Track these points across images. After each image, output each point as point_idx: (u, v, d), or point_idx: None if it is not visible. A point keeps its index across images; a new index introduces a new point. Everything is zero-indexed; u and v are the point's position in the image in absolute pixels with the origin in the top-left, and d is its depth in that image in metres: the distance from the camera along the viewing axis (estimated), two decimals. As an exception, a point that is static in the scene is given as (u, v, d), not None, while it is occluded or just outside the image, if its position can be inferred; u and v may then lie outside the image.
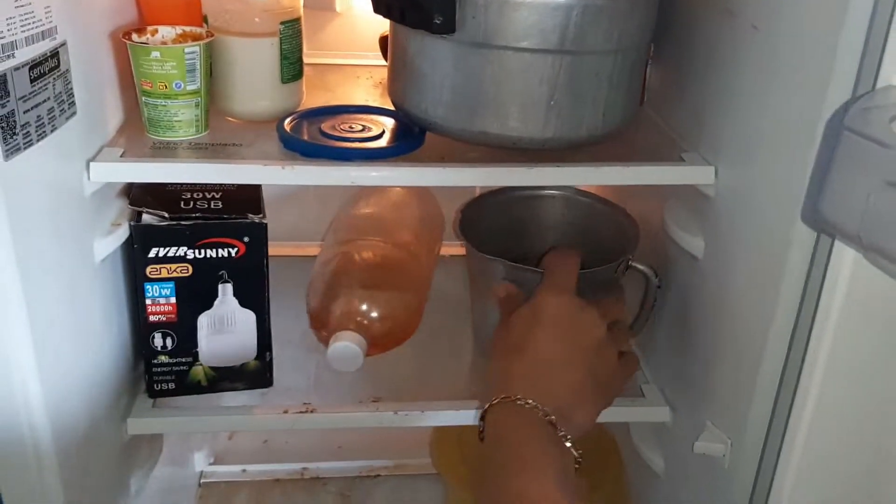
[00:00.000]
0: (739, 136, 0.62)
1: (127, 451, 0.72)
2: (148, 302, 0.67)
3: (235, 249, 0.67)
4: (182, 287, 0.67)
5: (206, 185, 0.69)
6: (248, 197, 0.69)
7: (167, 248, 0.66)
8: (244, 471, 1.09)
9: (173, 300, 0.68)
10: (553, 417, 0.56)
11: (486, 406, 0.58)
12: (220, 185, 0.70)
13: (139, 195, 0.67)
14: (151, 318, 0.68)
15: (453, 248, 0.96)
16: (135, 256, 0.66)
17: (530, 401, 0.56)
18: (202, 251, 0.67)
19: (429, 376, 0.79)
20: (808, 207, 0.52)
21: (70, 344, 0.60)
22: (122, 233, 0.66)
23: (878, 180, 0.42)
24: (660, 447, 0.79)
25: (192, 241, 0.66)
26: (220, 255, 0.67)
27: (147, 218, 0.66)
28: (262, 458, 1.10)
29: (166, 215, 0.65)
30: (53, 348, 0.57)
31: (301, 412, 0.72)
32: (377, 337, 0.74)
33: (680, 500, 0.75)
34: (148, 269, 0.66)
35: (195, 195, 0.68)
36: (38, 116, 0.53)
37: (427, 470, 1.08)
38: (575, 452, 0.56)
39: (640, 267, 0.73)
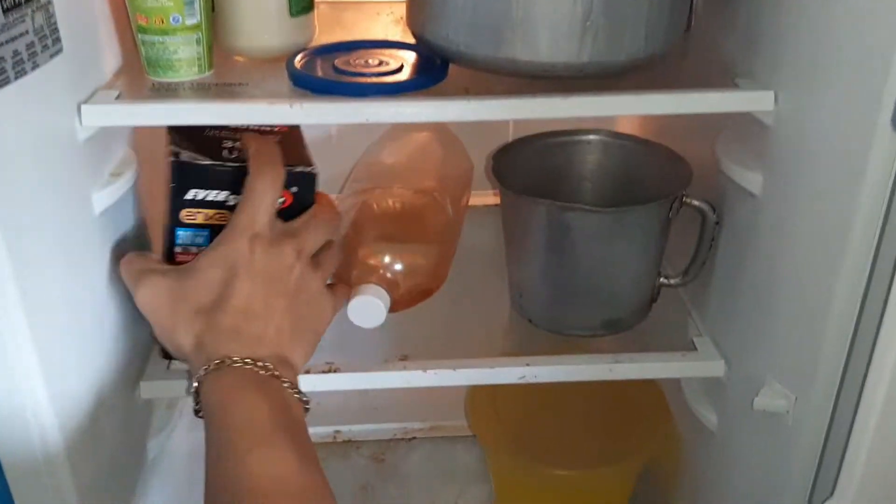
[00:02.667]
0: (802, 55, 0.55)
1: (141, 417, 0.69)
2: (178, 250, 0.59)
3: (281, 200, 0.58)
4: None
5: (248, 131, 0.62)
6: (292, 145, 0.61)
7: (207, 191, 0.58)
8: (274, 435, 1.05)
9: (204, 247, 0.58)
10: (275, 370, 0.52)
11: (196, 379, 0.52)
12: (266, 130, 0.62)
13: (177, 139, 0.59)
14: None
15: (484, 197, 0.90)
16: (170, 196, 0.58)
17: (247, 359, 0.52)
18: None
19: (460, 332, 0.74)
20: None
21: (69, 304, 0.55)
22: (124, 183, 0.61)
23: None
24: (713, 403, 0.73)
25: (235, 186, 0.57)
26: None
27: (187, 156, 0.58)
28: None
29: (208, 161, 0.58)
30: (49, 309, 0.52)
31: (324, 372, 0.68)
32: (402, 291, 0.68)
33: (736, 459, 0.69)
34: (182, 213, 0.58)
35: (237, 144, 0.60)
36: (15, 52, 0.48)
37: (464, 432, 1.04)
38: (304, 399, 0.53)
39: (696, 202, 0.67)
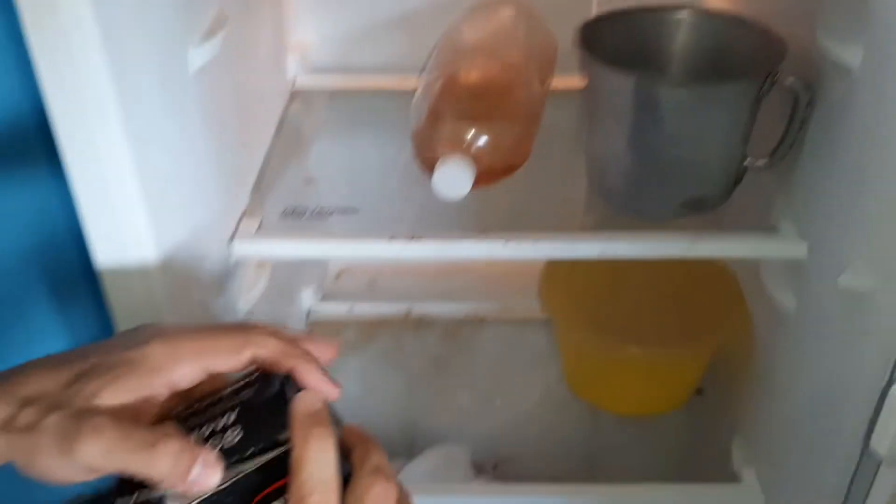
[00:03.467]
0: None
1: (232, 278, 0.72)
2: None
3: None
4: None
5: (208, 408, 0.44)
6: (269, 401, 0.44)
7: None
8: (351, 309, 1.09)
9: None
10: None
11: None
12: (227, 399, 0.45)
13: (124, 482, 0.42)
14: None
15: (565, 80, 0.89)
16: None
17: None
18: None
19: (539, 210, 0.75)
20: None
21: (170, 159, 0.58)
22: (217, 42, 0.62)
23: None
24: (793, 286, 0.73)
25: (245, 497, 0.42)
26: None
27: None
28: (368, 298, 1.10)
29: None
30: (153, 161, 0.54)
31: (407, 240, 0.70)
32: (485, 166, 0.69)
33: (814, 343, 0.70)
34: None
35: (204, 428, 0.43)
36: None
37: (535, 316, 1.06)
38: None
39: (790, 79, 0.65)
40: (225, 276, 0.70)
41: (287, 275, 0.97)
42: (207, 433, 0.43)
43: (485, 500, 0.85)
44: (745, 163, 0.71)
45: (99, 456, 0.39)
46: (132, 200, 0.53)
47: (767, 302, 0.76)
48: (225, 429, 0.43)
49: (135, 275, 0.56)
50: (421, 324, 1.09)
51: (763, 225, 0.71)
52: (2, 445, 0.40)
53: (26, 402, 0.41)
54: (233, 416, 0.43)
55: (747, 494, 0.82)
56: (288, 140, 0.84)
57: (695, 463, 0.92)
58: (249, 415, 0.43)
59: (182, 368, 0.43)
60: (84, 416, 0.40)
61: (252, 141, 0.80)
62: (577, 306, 0.88)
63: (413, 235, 0.70)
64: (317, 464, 0.40)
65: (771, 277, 0.76)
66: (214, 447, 0.42)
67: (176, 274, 0.59)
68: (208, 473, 0.40)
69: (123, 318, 0.58)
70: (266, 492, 0.42)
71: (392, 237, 0.69)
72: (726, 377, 0.91)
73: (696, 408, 0.94)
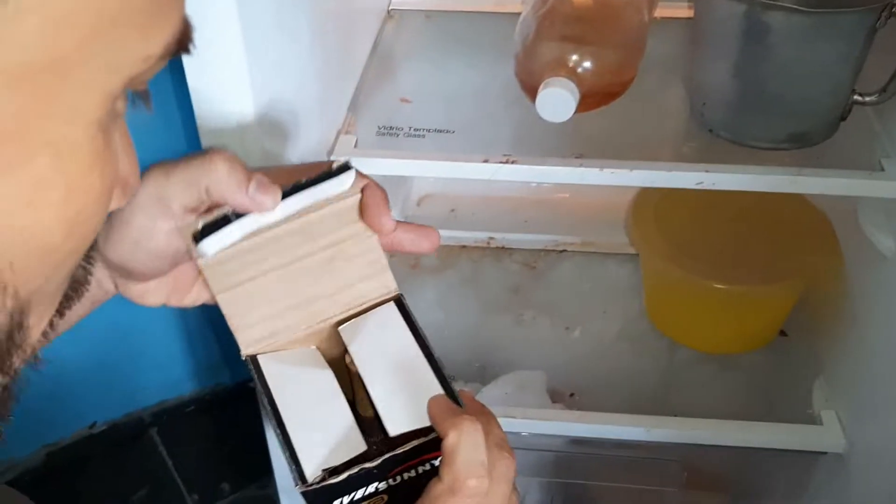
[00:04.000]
0: None
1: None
2: None
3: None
4: None
5: None
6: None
7: (353, 493, 0.46)
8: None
9: None
10: None
11: None
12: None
13: None
14: None
15: (669, 8, 0.87)
16: None
17: None
18: (398, 477, 0.47)
19: (638, 138, 0.74)
20: None
21: (279, 71, 0.59)
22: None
23: None
24: (891, 226, 0.71)
25: (383, 476, 0.46)
26: (421, 472, 0.47)
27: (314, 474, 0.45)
28: (449, 226, 1.10)
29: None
30: (264, 74, 0.56)
31: (501, 162, 0.70)
32: (587, 89, 0.68)
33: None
34: None
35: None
36: None
37: (617, 250, 1.06)
38: None
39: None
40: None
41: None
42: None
43: (561, 427, 0.86)
44: (854, 98, 0.69)
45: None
46: (244, 109, 0.55)
47: (863, 243, 0.75)
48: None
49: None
50: (501, 253, 1.09)
51: (869, 162, 0.69)
52: None
53: None
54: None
55: (828, 436, 0.82)
56: (383, 60, 0.84)
57: (773, 404, 0.91)
58: None
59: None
60: None
61: (349, 60, 0.80)
62: (664, 238, 0.87)
63: (508, 158, 0.70)
64: (471, 449, 0.43)
65: (870, 218, 0.74)
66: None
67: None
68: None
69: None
70: (403, 467, 0.46)
71: (486, 159, 0.70)
72: (812, 318, 0.90)
73: (778, 348, 0.94)
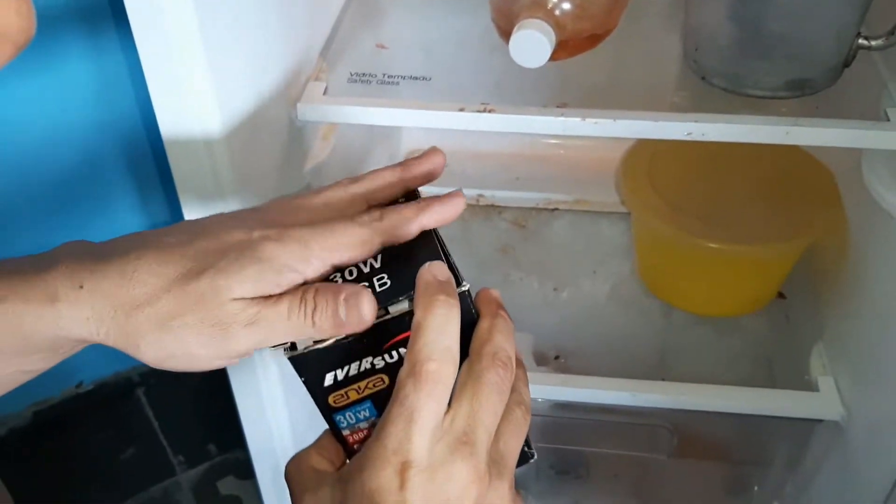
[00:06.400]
0: None
1: (298, 141, 0.69)
2: (345, 433, 0.47)
3: None
4: (382, 400, 0.45)
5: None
6: (417, 248, 0.46)
7: (345, 368, 0.45)
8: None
9: (374, 418, 0.46)
10: None
11: None
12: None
13: None
14: (354, 446, 0.47)
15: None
16: (308, 391, 0.46)
17: None
18: (393, 353, 0.44)
19: (624, 85, 0.69)
20: None
21: (235, 21, 0.55)
22: None
23: None
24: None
25: (376, 349, 0.44)
26: None
27: (302, 342, 0.44)
28: (437, 182, 1.06)
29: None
30: (218, 23, 0.52)
31: (479, 111, 0.65)
32: (567, 34, 0.63)
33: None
34: (331, 399, 0.46)
35: (346, 271, 0.45)
36: None
37: (608, 209, 1.02)
38: None
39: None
40: (290, 144, 0.68)
41: (357, 152, 0.94)
42: (355, 274, 0.44)
43: (543, 389, 0.82)
44: (858, 42, 0.64)
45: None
46: (196, 63, 0.51)
47: (868, 200, 0.70)
48: (373, 272, 0.44)
49: (199, 142, 0.54)
50: (491, 210, 1.05)
51: (873, 112, 0.64)
52: None
53: None
54: (378, 262, 0.45)
55: (826, 403, 0.78)
56: (359, 5, 0.79)
57: (769, 369, 0.88)
58: (393, 261, 0.45)
59: (311, 266, 0.43)
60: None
61: (321, 5, 0.76)
62: (657, 196, 0.82)
63: (485, 107, 0.66)
64: (437, 331, 0.39)
65: (875, 173, 0.69)
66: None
67: (240, 140, 0.57)
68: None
69: (184, 184, 0.58)
70: (396, 339, 0.43)
71: (462, 108, 0.65)
72: (812, 280, 0.86)
73: (776, 312, 0.90)
